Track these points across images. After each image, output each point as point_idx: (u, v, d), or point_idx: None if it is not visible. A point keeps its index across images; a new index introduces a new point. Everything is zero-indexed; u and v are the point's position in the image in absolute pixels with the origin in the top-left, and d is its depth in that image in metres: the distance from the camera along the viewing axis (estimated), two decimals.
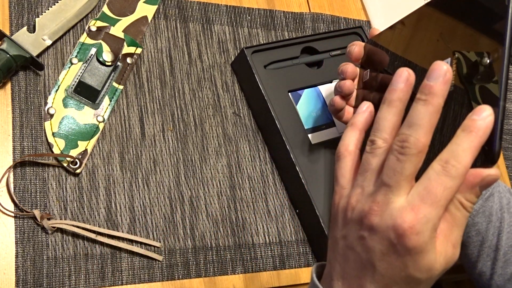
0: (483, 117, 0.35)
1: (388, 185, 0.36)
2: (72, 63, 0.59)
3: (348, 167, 0.40)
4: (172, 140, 0.61)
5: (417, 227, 0.34)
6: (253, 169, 0.64)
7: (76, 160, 0.55)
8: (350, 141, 0.41)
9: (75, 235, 0.53)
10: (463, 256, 0.56)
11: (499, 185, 0.55)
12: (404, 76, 0.37)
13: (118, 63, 0.61)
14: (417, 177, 0.37)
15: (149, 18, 0.65)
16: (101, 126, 0.58)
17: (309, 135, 0.65)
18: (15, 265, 0.51)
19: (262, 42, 0.71)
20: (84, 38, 0.61)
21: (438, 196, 0.34)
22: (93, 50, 0.60)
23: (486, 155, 0.36)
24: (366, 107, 0.41)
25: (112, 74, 0.60)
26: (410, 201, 0.35)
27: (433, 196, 0.35)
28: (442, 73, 0.35)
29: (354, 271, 0.38)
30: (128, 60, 0.62)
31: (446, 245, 0.36)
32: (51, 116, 0.56)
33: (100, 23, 0.62)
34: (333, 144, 0.66)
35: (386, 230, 0.35)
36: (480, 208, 0.52)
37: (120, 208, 0.56)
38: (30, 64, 0.57)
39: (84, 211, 0.55)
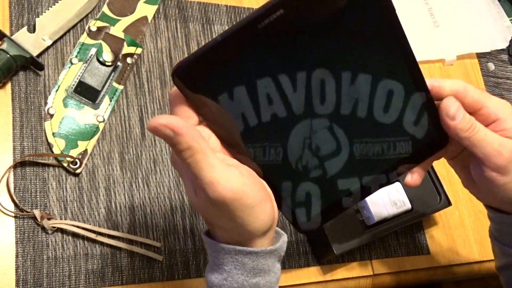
0: None
1: None
2: (72, 63, 0.59)
3: None
4: None
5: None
6: None
7: (76, 160, 0.55)
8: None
9: (75, 235, 0.53)
10: (503, 278, 0.55)
11: None
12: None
13: (118, 63, 0.61)
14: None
15: (149, 18, 0.65)
16: (101, 126, 0.58)
17: None
18: (15, 265, 0.51)
19: None
20: (84, 38, 0.61)
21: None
22: (93, 50, 0.60)
23: None
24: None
25: (112, 74, 0.60)
26: None
27: None
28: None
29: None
30: (128, 60, 0.62)
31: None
32: (51, 116, 0.56)
33: (100, 23, 0.62)
34: None
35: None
36: None
37: (120, 208, 0.56)
38: (30, 64, 0.57)
39: (84, 211, 0.55)
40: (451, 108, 0.42)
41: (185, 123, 0.36)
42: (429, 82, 0.43)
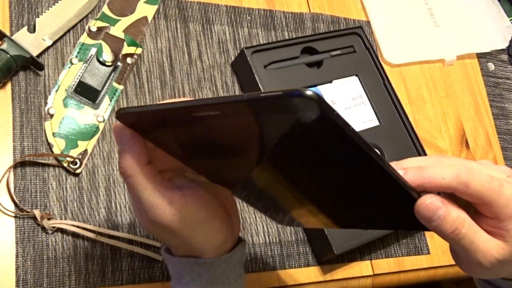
0: None
1: None
2: (72, 63, 0.59)
3: None
4: None
5: None
6: None
7: (76, 160, 0.55)
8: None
9: (75, 235, 0.53)
10: None
11: None
12: None
13: (118, 63, 0.61)
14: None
15: (149, 18, 0.65)
16: (101, 126, 0.58)
17: None
18: (15, 265, 0.51)
19: (262, 42, 0.71)
20: (84, 38, 0.61)
21: None
22: (93, 50, 0.60)
23: None
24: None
25: (112, 74, 0.60)
26: None
27: None
28: None
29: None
30: (128, 60, 0.62)
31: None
32: (51, 116, 0.56)
33: (100, 23, 0.62)
34: None
35: None
36: None
37: (120, 208, 0.56)
38: (30, 64, 0.57)
39: (84, 211, 0.55)
40: (425, 212, 0.35)
41: (136, 137, 0.38)
42: (420, 179, 0.35)
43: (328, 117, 0.27)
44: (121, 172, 0.38)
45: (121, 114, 0.38)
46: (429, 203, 0.34)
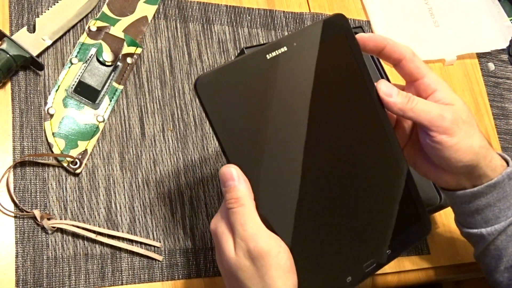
0: None
1: None
2: (72, 63, 0.59)
3: None
4: (172, 140, 0.61)
5: None
6: None
7: (76, 160, 0.55)
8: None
9: (75, 235, 0.53)
10: (482, 266, 0.56)
11: None
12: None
13: (118, 63, 0.61)
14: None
15: (149, 18, 0.65)
16: (101, 126, 0.58)
17: None
18: (15, 265, 0.51)
19: (262, 42, 0.71)
20: (84, 38, 0.61)
21: None
22: (93, 50, 0.60)
23: None
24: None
25: (112, 74, 0.60)
26: None
27: None
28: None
29: None
30: (128, 60, 0.62)
31: None
32: (51, 116, 0.56)
33: (100, 23, 0.62)
34: None
35: None
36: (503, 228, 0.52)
37: (120, 208, 0.56)
38: (30, 64, 0.57)
39: (84, 211, 0.55)
40: (386, 88, 0.48)
41: (247, 181, 0.42)
42: (382, 40, 0.49)
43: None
44: (233, 202, 0.41)
45: (200, 79, 0.41)
46: (386, 82, 0.48)
